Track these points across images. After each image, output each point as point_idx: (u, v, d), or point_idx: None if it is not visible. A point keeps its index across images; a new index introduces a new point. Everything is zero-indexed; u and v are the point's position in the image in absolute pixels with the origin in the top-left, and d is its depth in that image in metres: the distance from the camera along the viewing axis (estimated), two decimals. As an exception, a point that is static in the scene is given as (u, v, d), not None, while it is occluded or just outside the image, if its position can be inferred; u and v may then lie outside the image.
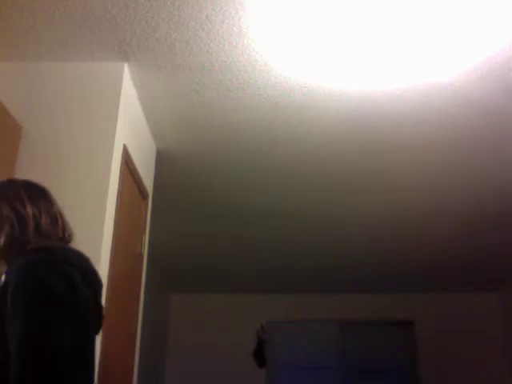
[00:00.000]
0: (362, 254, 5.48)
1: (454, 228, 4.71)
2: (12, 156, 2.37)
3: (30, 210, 1.37)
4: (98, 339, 2.09)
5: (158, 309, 6.39)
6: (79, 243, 1.52)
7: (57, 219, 1.43)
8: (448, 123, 3.11)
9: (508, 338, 6.61)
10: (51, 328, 1.19)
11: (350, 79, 2.72)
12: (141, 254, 3.06)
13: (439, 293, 6.93)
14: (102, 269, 2.25)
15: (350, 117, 3.05)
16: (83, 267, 1.37)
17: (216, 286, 6.81)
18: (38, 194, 1.44)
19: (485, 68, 2.62)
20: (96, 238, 2.28)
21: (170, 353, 6.87)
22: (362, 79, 2.72)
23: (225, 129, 3.20)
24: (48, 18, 2.34)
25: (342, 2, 2.22)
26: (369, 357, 6.85)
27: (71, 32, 2.42)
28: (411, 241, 5.07)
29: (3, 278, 1.29)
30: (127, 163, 2.66)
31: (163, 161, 3.53)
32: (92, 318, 1.34)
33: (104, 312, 1.49)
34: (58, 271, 1.27)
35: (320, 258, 5.67)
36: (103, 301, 1.54)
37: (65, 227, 1.45)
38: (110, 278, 2.36)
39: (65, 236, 1.44)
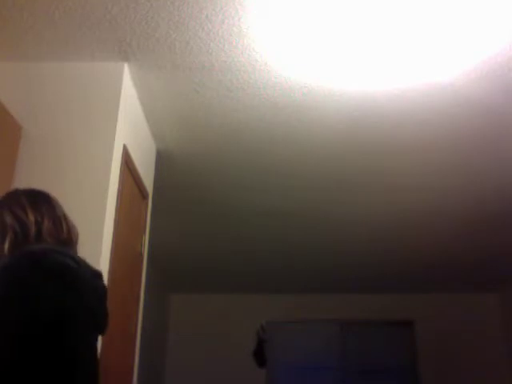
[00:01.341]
0: (362, 254, 5.48)
1: (454, 228, 4.71)
2: (12, 156, 2.37)
3: (32, 216, 1.42)
4: (99, 339, 2.09)
5: (157, 309, 6.39)
6: (79, 243, 1.52)
7: (61, 222, 1.47)
8: (448, 123, 3.11)
9: (508, 338, 6.61)
10: None
11: (350, 79, 2.72)
12: (141, 254, 3.06)
13: (439, 293, 6.93)
14: (102, 269, 2.25)
15: (350, 117, 3.05)
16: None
17: (216, 286, 6.81)
18: (40, 200, 1.48)
19: (485, 68, 2.62)
20: (96, 238, 2.28)
21: (170, 353, 6.87)
22: (362, 79, 2.72)
23: (225, 129, 3.20)
24: (48, 18, 2.34)
25: (341, 2, 2.22)
26: (369, 357, 6.85)
27: (71, 32, 2.42)
28: (411, 241, 5.07)
29: None
30: (127, 163, 2.66)
31: (163, 161, 3.53)
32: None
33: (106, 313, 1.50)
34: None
35: (320, 258, 5.67)
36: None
37: (70, 229, 1.48)
38: (110, 278, 2.36)
39: (70, 237, 1.47)
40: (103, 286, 1.48)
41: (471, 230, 4.76)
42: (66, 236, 1.46)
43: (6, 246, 1.37)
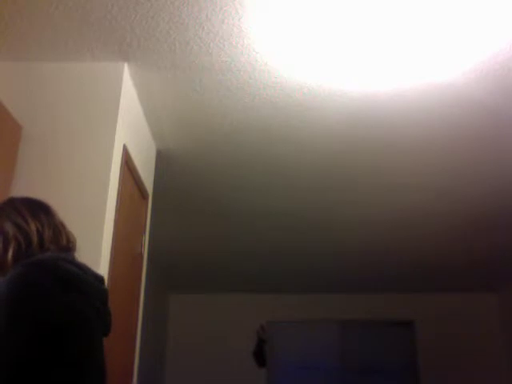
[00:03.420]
0: (362, 254, 5.48)
1: (453, 228, 4.71)
2: (12, 156, 2.37)
3: (33, 226, 1.43)
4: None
5: (157, 309, 6.39)
6: (79, 244, 1.52)
7: (60, 230, 1.48)
8: (448, 123, 3.11)
9: (508, 338, 6.62)
10: None
11: (350, 79, 2.72)
12: (141, 254, 3.06)
13: (439, 293, 6.93)
14: (102, 269, 2.25)
15: (350, 117, 3.05)
16: (74, 276, 1.38)
17: (216, 285, 6.81)
18: (38, 208, 1.49)
19: (485, 68, 2.62)
20: (96, 238, 2.28)
21: (170, 353, 6.87)
22: (362, 79, 2.72)
23: (225, 129, 3.20)
24: (48, 18, 2.34)
25: (341, 3, 2.22)
26: (369, 357, 6.85)
27: (71, 32, 2.42)
28: (411, 241, 5.07)
29: None
30: (127, 163, 2.66)
31: (163, 161, 3.53)
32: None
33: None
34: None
35: (320, 258, 5.67)
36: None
37: (68, 236, 1.50)
38: (110, 278, 2.36)
39: (69, 244, 1.49)
40: (105, 289, 1.51)
41: (471, 229, 4.76)
42: (65, 243, 1.48)
43: (10, 255, 1.38)
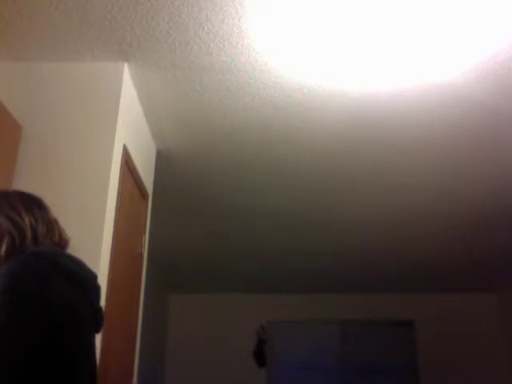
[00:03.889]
0: (362, 254, 5.48)
1: (454, 228, 4.71)
2: (12, 156, 2.37)
3: (27, 220, 1.41)
4: (99, 339, 2.09)
5: (157, 309, 6.39)
6: (79, 244, 1.52)
7: (52, 226, 1.46)
8: (448, 123, 3.11)
9: (508, 338, 6.61)
10: None
11: (350, 79, 2.72)
12: (141, 254, 3.06)
13: (439, 293, 6.93)
14: (102, 269, 2.25)
15: (350, 117, 3.05)
16: (74, 272, 1.38)
17: (216, 286, 6.81)
18: (32, 203, 1.47)
19: (485, 68, 2.62)
20: (96, 238, 2.27)
21: (170, 353, 6.87)
22: (362, 79, 2.72)
23: (225, 129, 3.20)
24: (48, 18, 2.34)
25: (341, 3, 2.22)
26: (369, 357, 6.85)
27: (71, 32, 2.42)
28: (411, 241, 5.07)
29: None
30: (127, 163, 2.66)
31: (163, 161, 3.53)
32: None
33: (104, 313, 1.51)
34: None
35: (320, 258, 5.67)
36: (103, 301, 1.54)
37: (61, 233, 1.48)
38: (110, 278, 2.36)
39: (61, 241, 1.47)
40: (99, 286, 1.51)
41: (471, 229, 4.76)
42: (57, 240, 1.46)
43: (3, 250, 1.36)
